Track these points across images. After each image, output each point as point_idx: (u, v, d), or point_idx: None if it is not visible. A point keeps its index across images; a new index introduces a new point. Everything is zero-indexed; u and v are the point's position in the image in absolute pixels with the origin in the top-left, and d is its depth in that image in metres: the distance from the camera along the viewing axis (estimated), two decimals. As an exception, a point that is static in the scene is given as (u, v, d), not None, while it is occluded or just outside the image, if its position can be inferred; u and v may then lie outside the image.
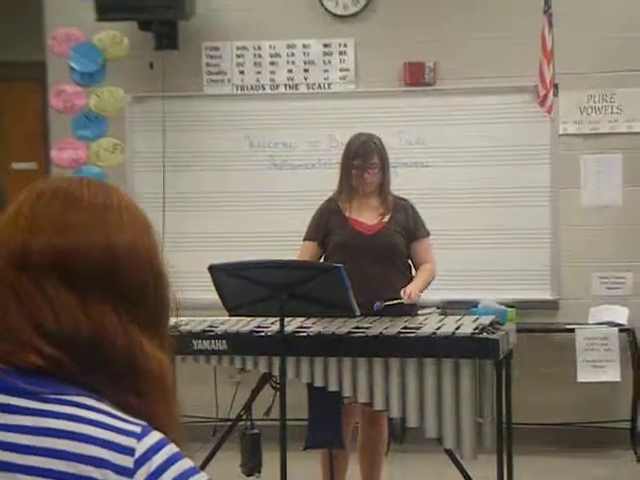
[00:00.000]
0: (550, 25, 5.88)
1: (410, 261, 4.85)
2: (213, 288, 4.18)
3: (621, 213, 6.36)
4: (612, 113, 6.33)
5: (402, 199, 4.89)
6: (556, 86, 6.11)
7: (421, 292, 4.72)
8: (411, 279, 4.82)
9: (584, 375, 6.09)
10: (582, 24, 6.31)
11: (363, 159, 4.73)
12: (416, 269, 4.86)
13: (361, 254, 4.66)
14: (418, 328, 4.29)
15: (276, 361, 4.25)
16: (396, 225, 4.77)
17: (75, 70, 6.78)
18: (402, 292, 4.62)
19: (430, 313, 4.80)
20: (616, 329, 6.09)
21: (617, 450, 6.24)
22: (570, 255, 6.37)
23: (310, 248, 4.80)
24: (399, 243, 4.76)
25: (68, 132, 6.81)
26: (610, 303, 6.30)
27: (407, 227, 4.80)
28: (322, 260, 4.80)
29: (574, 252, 6.36)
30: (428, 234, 4.88)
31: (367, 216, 4.78)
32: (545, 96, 5.97)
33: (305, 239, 4.84)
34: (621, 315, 6.21)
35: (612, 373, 6.06)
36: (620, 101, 6.32)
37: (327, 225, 4.78)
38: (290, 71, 6.64)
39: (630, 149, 6.32)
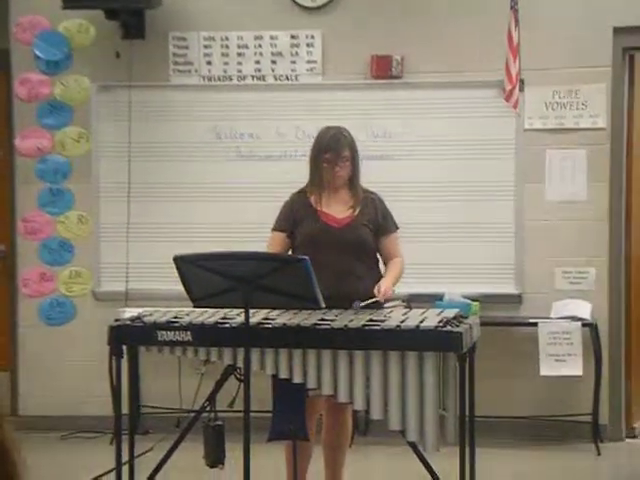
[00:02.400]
0: (516, 21, 5.90)
1: (378, 255, 4.86)
2: (178, 279, 4.16)
3: (585, 208, 6.40)
4: (577, 109, 6.37)
5: (371, 193, 4.88)
6: (522, 81, 6.14)
7: (393, 287, 4.72)
8: (379, 272, 4.83)
9: (547, 369, 6.13)
10: (548, 20, 6.34)
11: (334, 152, 4.72)
12: (385, 263, 4.86)
13: (329, 247, 4.65)
14: (383, 321, 4.30)
15: (241, 353, 4.24)
16: (365, 219, 4.77)
17: (40, 58, 6.73)
18: (375, 290, 4.62)
19: (395, 306, 4.79)
20: (579, 323, 6.13)
21: (579, 443, 6.28)
22: (534, 249, 6.40)
23: (280, 239, 4.79)
24: (367, 237, 4.76)
25: (33, 121, 6.77)
26: (573, 298, 6.34)
27: (376, 221, 4.80)
28: (291, 252, 4.79)
29: (538, 247, 6.40)
30: (397, 228, 4.88)
31: (337, 209, 4.77)
32: (511, 91, 6.00)
33: (274, 229, 4.82)
34: (584, 310, 6.26)
35: (574, 367, 6.10)
36: (585, 97, 6.35)
37: (296, 217, 4.77)
38: (257, 62, 6.62)
39: (595, 144, 6.36)
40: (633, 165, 6.52)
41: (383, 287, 4.62)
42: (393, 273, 4.78)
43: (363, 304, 4.54)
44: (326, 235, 4.70)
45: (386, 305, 4.78)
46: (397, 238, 4.89)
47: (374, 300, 4.59)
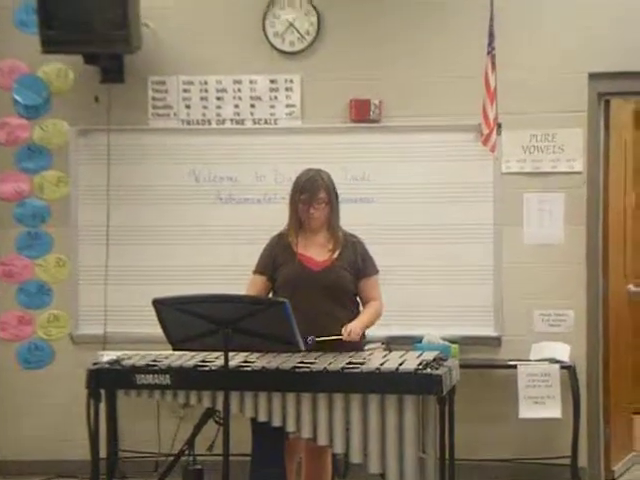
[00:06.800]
0: (493, 65, 5.96)
1: (358, 298, 4.86)
2: (157, 322, 4.15)
3: (562, 251, 6.43)
4: (554, 152, 6.43)
5: (352, 236, 4.90)
6: (499, 125, 6.19)
7: (363, 330, 4.72)
8: (358, 316, 4.82)
9: (526, 411, 6.13)
10: (524, 66, 6.41)
11: (309, 194, 4.75)
12: (364, 306, 4.87)
13: (308, 290, 4.66)
14: (362, 364, 4.30)
15: (220, 396, 4.23)
16: (344, 262, 4.79)
17: (19, 102, 6.75)
18: (343, 329, 4.62)
19: (375, 348, 4.80)
20: (557, 366, 6.15)
21: (558, 486, 6.28)
22: (513, 292, 6.43)
23: (259, 282, 4.80)
24: (346, 280, 4.77)
25: (11, 164, 6.77)
26: (552, 340, 6.36)
27: (355, 264, 4.81)
28: (271, 294, 4.79)
29: (516, 289, 6.42)
30: (377, 272, 4.89)
31: (316, 252, 4.79)
32: (489, 135, 6.05)
33: (254, 272, 4.84)
34: (562, 352, 6.27)
35: (553, 409, 6.11)
36: (562, 141, 6.41)
37: (276, 260, 4.79)
38: (236, 106, 6.66)
39: (571, 188, 6.41)
40: (609, 209, 6.57)
41: (350, 327, 4.62)
42: (366, 316, 4.78)
43: (322, 339, 4.54)
44: (305, 278, 4.71)
45: (366, 348, 4.78)
46: (377, 281, 4.90)
47: (334, 338, 4.57)
